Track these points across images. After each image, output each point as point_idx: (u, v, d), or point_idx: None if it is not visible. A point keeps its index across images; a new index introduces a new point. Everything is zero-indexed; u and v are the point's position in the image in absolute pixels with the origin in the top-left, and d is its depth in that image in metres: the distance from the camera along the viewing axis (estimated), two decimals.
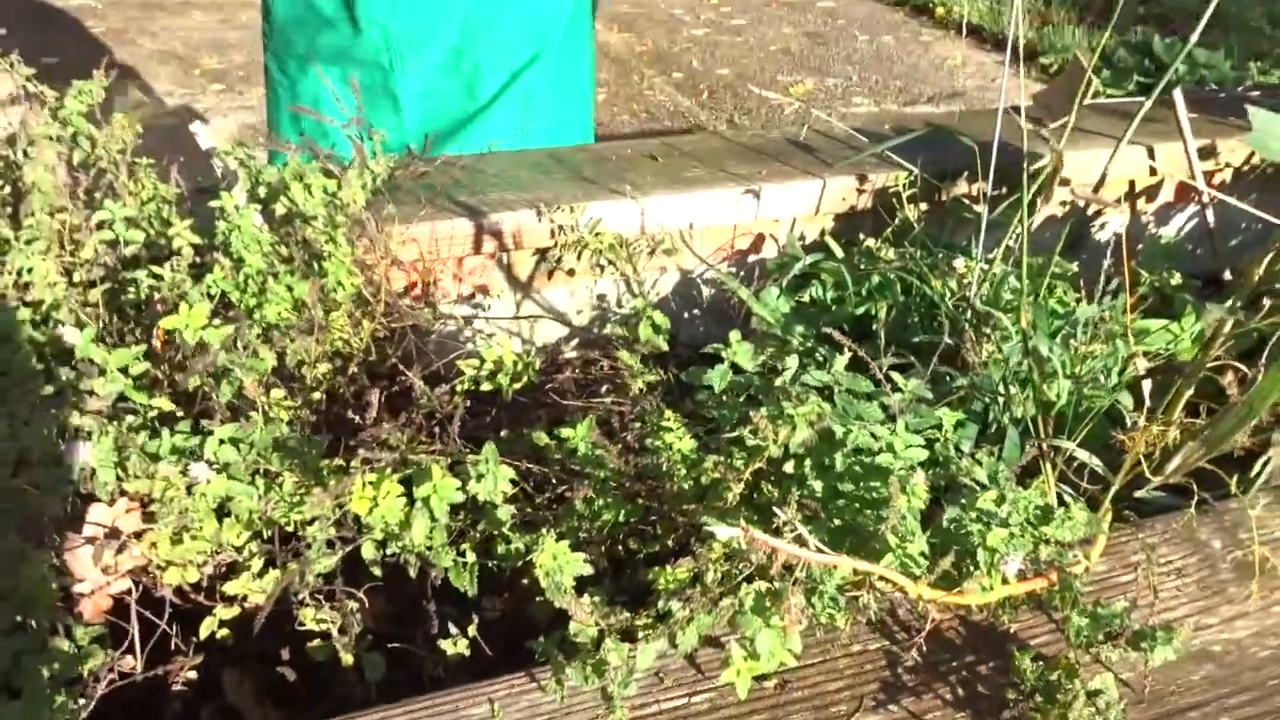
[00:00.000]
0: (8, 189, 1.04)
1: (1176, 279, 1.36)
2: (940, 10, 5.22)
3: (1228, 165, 1.61)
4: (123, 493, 0.69)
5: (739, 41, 4.86)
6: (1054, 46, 4.59)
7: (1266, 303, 0.90)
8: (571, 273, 1.32)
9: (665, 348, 1.06)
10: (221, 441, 0.67)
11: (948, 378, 0.99)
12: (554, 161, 1.36)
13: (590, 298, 1.35)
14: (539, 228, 1.24)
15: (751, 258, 1.41)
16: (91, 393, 0.67)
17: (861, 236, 1.34)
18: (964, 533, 0.63)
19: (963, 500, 0.65)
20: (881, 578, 0.60)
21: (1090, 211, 1.58)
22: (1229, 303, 0.88)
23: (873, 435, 0.66)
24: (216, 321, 0.75)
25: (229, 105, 3.87)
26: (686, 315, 1.40)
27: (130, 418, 0.70)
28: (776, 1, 5.55)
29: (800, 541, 0.55)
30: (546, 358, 1.22)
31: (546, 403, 0.99)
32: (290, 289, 0.85)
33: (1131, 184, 1.59)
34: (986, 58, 4.71)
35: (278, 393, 0.74)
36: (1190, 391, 0.81)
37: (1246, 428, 0.73)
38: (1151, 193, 1.60)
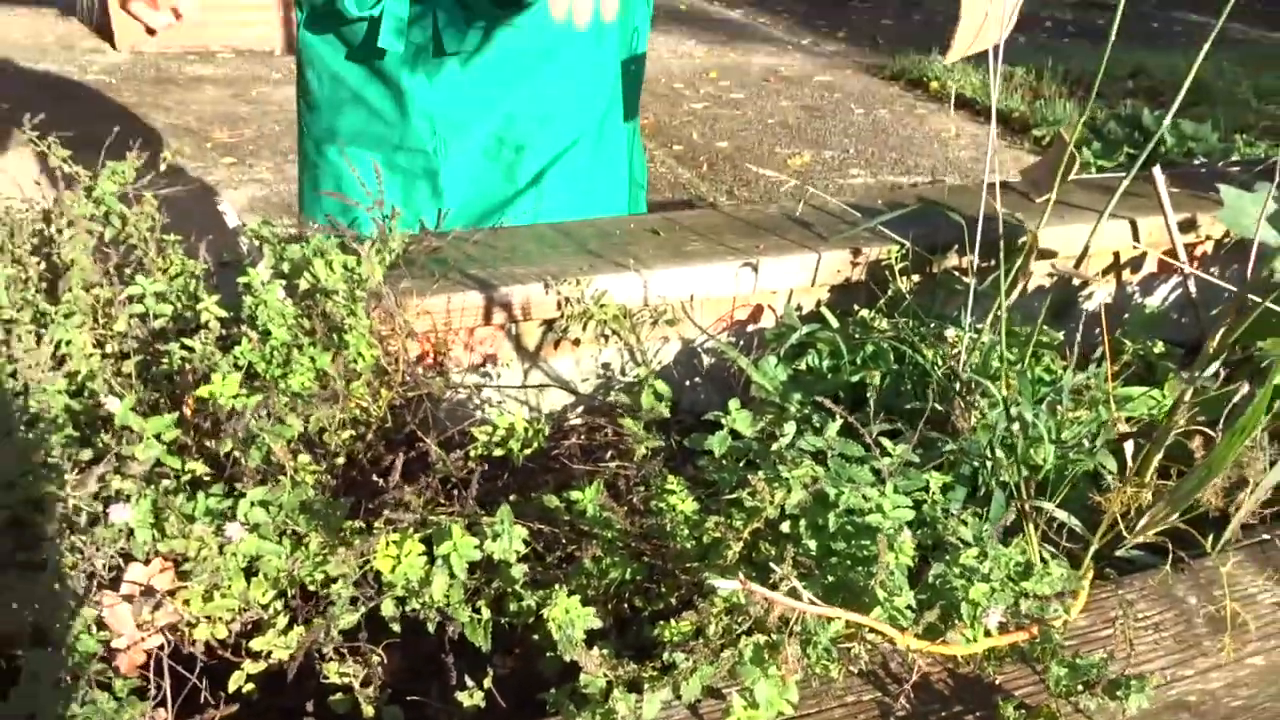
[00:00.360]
0: (42, 265, 1.10)
1: (1160, 347, 1.41)
2: (935, 84, 5.35)
3: (1208, 237, 1.67)
4: (157, 552, 0.73)
5: (738, 115, 4.99)
6: (1046, 119, 4.72)
7: (1223, 371, 0.95)
8: (577, 342, 1.37)
9: (667, 414, 1.11)
10: (253, 504, 0.71)
11: (939, 443, 1.04)
12: (561, 236, 1.43)
13: (595, 366, 1.40)
14: (546, 300, 1.30)
15: (750, 327, 1.46)
16: (132, 458, 0.71)
17: (856, 307, 1.40)
18: (949, 587, 0.67)
19: (947, 557, 0.69)
20: (871, 629, 0.64)
21: (1077, 282, 1.64)
22: (1191, 373, 0.93)
23: (863, 497, 0.71)
24: (244, 390, 0.80)
25: (240, 178, 3.97)
26: (688, 383, 1.45)
27: (166, 481, 0.74)
28: (774, 76, 5.70)
29: (795, 595, 0.59)
30: (553, 424, 1.27)
31: (554, 468, 1.04)
32: (313, 360, 0.90)
33: (1116, 255, 1.65)
34: (980, 130, 4.83)
35: (304, 458, 0.79)
36: (1160, 455, 0.86)
37: (1211, 489, 0.77)
38: (1136, 264, 1.67)
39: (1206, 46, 1.00)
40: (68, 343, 0.90)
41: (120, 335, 0.98)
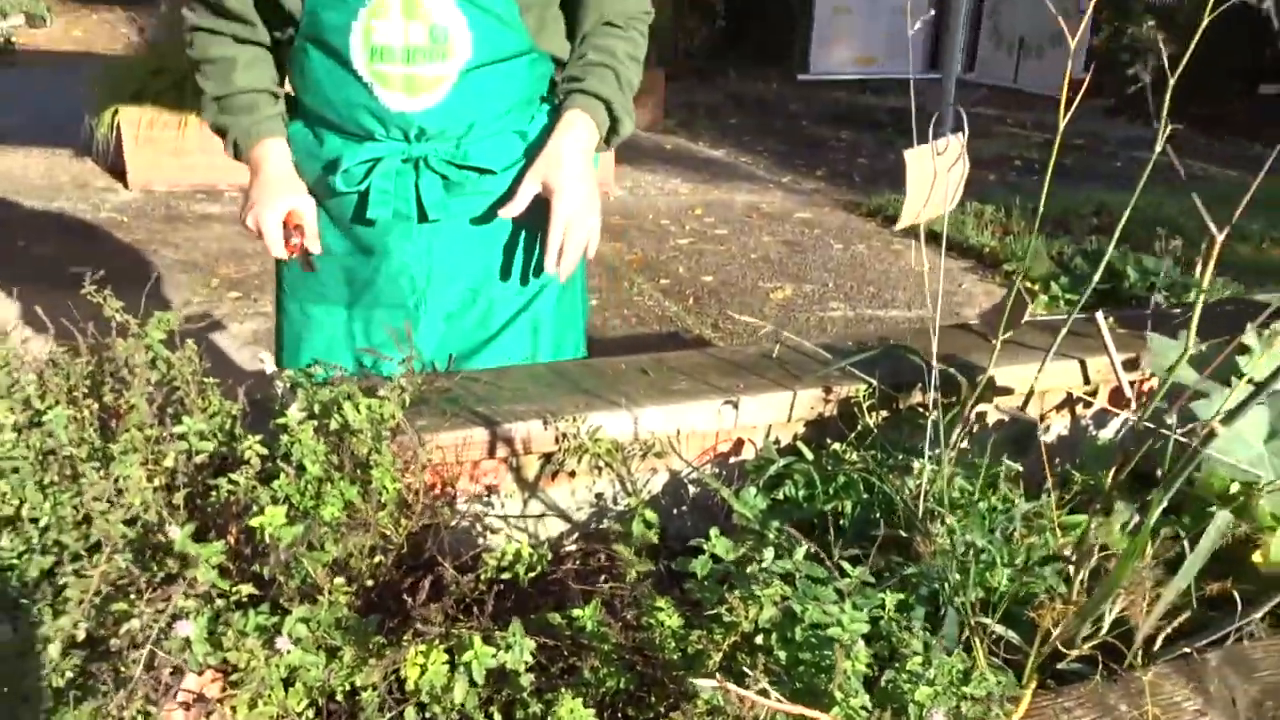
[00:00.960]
0: (95, 405, 1.22)
1: (1108, 477, 1.54)
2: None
3: (1154, 375, 1.81)
4: (209, 664, 0.84)
5: (722, 250, 5.20)
6: (1015, 255, 4.93)
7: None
8: (573, 474, 1.49)
9: (656, 541, 1.23)
10: (297, 621, 0.82)
11: (902, 566, 1.16)
12: (558, 376, 1.56)
13: (590, 496, 1.52)
14: (545, 435, 1.42)
15: (732, 460, 1.59)
16: (193, 580, 0.82)
17: (829, 441, 1.53)
18: (898, 691, 0.77)
19: (897, 664, 0.80)
20: None
21: (1036, 416, 1.78)
22: (1100, 505, 1.05)
23: (825, 613, 0.81)
24: (286, 520, 0.92)
25: (245, 311, 4.13)
26: (675, 511, 1.57)
27: (219, 600, 0.85)
28: (757, 213, 5.96)
29: (765, 695, 0.69)
30: (552, 550, 1.38)
31: (554, 589, 1.14)
32: (342, 493, 1.02)
33: (1069, 393, 1.79)
34: (952, 264, 5.05)
35: (338, 580, 0.90)
36: (1084, 576, 0.97)
37: (1135, 607, 0.88)
38: (1088, 399, 1.80)
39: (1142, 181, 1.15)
40: (126, 477, 1.02)
41: (168, 470, 1.09)
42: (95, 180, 5.99)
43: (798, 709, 0.67)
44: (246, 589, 0.87)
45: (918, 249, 5.24)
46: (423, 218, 1.57)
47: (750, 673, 0.72)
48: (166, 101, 5.72)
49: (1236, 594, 0.99)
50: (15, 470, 1.01)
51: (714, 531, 1.01)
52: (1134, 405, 1.71)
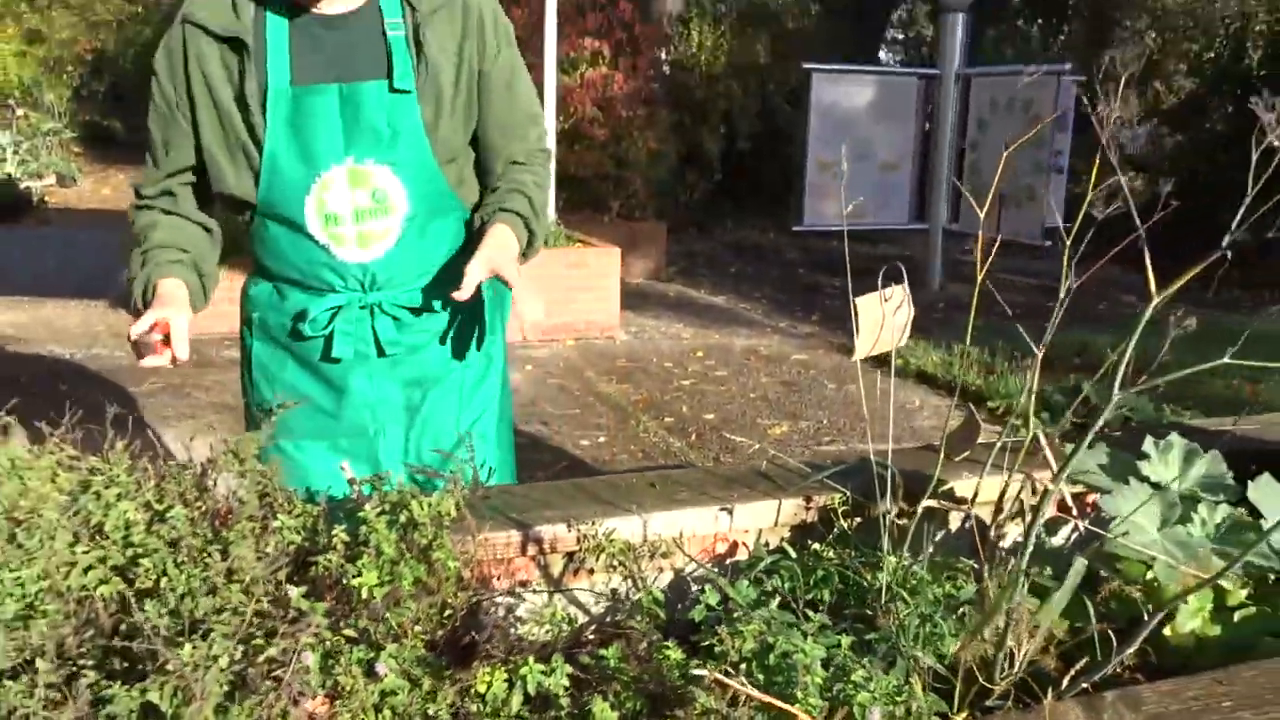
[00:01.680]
0: (204, 505, 1.49)
1: (1049, 573, 1.79)
2: (899, 361, 5.92)
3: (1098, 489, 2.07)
4: (320, 689, 1.08)
5: (723, 390, 5.51)
6: (999, 392, 5.23)
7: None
8: (591, 571, 1.74)
9: (664, 616, 1.47)
10: (389, 656, 1.07)
11: (866, 632, 1.40)
12: (578, 490, 1.83)
13: (605, 591, 1.77)
14: (568, 536, 1.68)
15: (727, 560, 1.84)
16: (315, 627, 1.08)
17: (810, 542, 1.78)
18: (845, 697, 1.01)
19: (846, 678, 1.04)
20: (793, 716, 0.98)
21: (991, 524, 2.03)
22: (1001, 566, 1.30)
23: (792, 643, 1.06)
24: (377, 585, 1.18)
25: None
26: (679, 605, 1.81)
27: (327, 642, 1.11)
28: (755, 356, 6.29)
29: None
30: (571, 637, 1.62)
31: (577, 654, 1.39)
32: (412, 570, 1.28)
33: (1022, 502, 2.05)
34: (941, 402, 5.35)
35: (417, 629, 1.15)
36: (989, 623, 1.22)
37: (1046, 651, 1.11)
38: (1038, 509, 2.06)
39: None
40: (241, 557, 1.28)
41: (270, 555, 1.36)
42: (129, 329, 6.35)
43: (768, 697, 0.91)
44: (349, 632, 1.12)
45: (908, 388, 5.55)
46: (380, 353, 1.83)
47: (732, 682, 0.96)
48: None
49: (1111, 634, 1.24)
50: (155, 551, 1.28)
51: (708, 588, 1.26)
52: (1075, 512, 1.96)
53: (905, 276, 1.67)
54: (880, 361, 5.83)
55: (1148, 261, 1.29)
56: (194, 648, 1.04)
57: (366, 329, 1.82)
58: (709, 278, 8.88)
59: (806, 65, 8.60)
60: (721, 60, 11.09)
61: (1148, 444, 1.54)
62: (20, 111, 15.04)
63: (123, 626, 1.23)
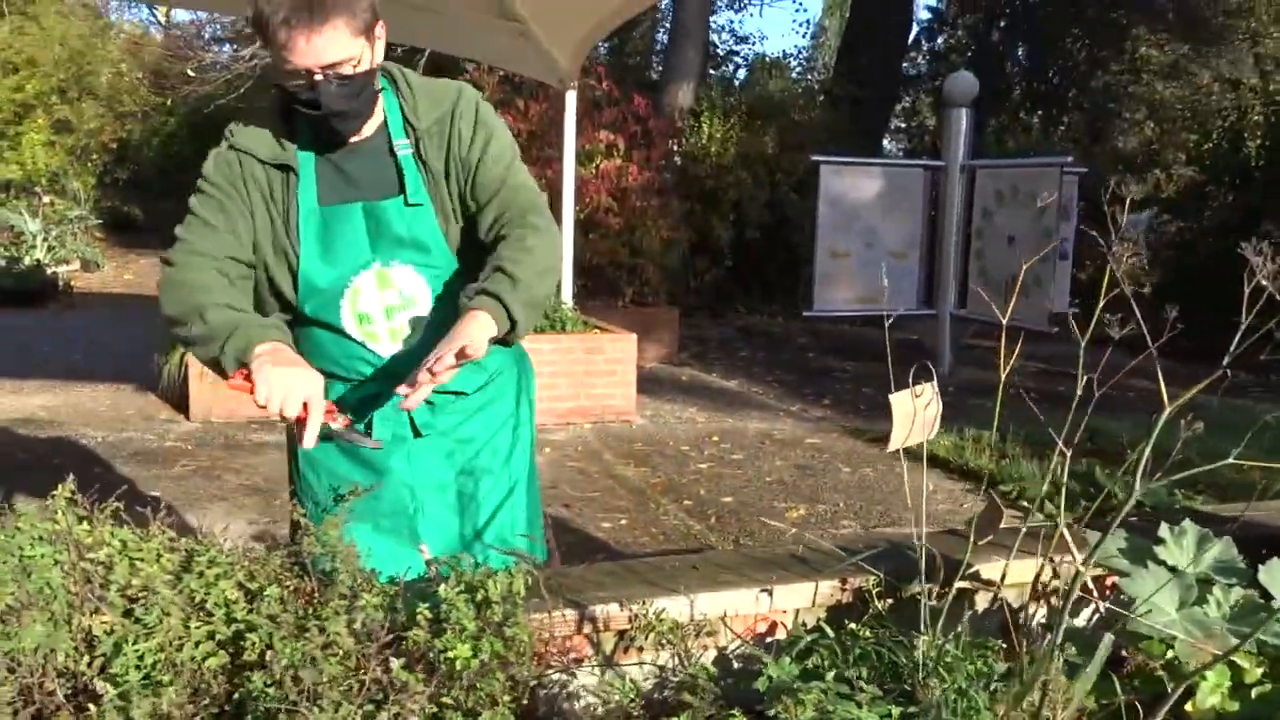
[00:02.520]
0: (292, 584, 1.61)
1: (1074, 651, 1.89)
2: (913, 447, 6.02)
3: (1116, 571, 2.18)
4: None
5: (739, 473, 5.62)
6: (1011, 476, 5.34)
7: None
8: (641, 649, 1.85)
9: (718, 690, 1.58)
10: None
11: (911, 710, 1.51)
12: (628, 572, 1.95)
13: (653, 668, 1.87)
14: (620, 615, 1.80)
15: (768, 639, 1.95)
16: (420, 696, 1.20)
17: (846, 621, 1.89)
18: None
19: None
20: None
21: (1017, 606, 2.14)
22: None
23: (848, 711, 1.17)
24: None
25: None
26: (723, 683, 1.91)
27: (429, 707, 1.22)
28: (769, 440, 6.40)
29: None
30: (621, 713, 1.72)
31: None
32: (490, 644, 1.40)
33: (1044, 585, 2.15)
34: (955, 486, 5.45)
35: (506, 698, 1.27)
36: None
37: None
38: (1070, 592, 2.17)
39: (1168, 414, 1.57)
40: (337, 633, 1.40)
41: (357, 631, 1.48)
42: (159, 412, 6.50)
43: None
44: (448, 700, 1.23)
45: (914, 469, 5.66)
46: (416, 434, 1.98)
47: None
48: None
49: (1139, 705, 1.35)
50: (259, 626, 1.40)
51: (770, 660, 1.37)
52: (1095, 594, 2.07)
53: (933, 373, 1.81)
54: (879, 441, 5.94)
55: (1158, 370, 1.42)
56: (320, 711, 1.16)
57: (402, 414, 1.96)
58: (721, 362, 9.04)
59: (814, 158, 8.87)
60: (731, 151, 11.42)
61: (1163, 530, 1.66)
62: (47, 199, 15.42)
63: (235, 695, 1.34)
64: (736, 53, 16.55)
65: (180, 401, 6.47)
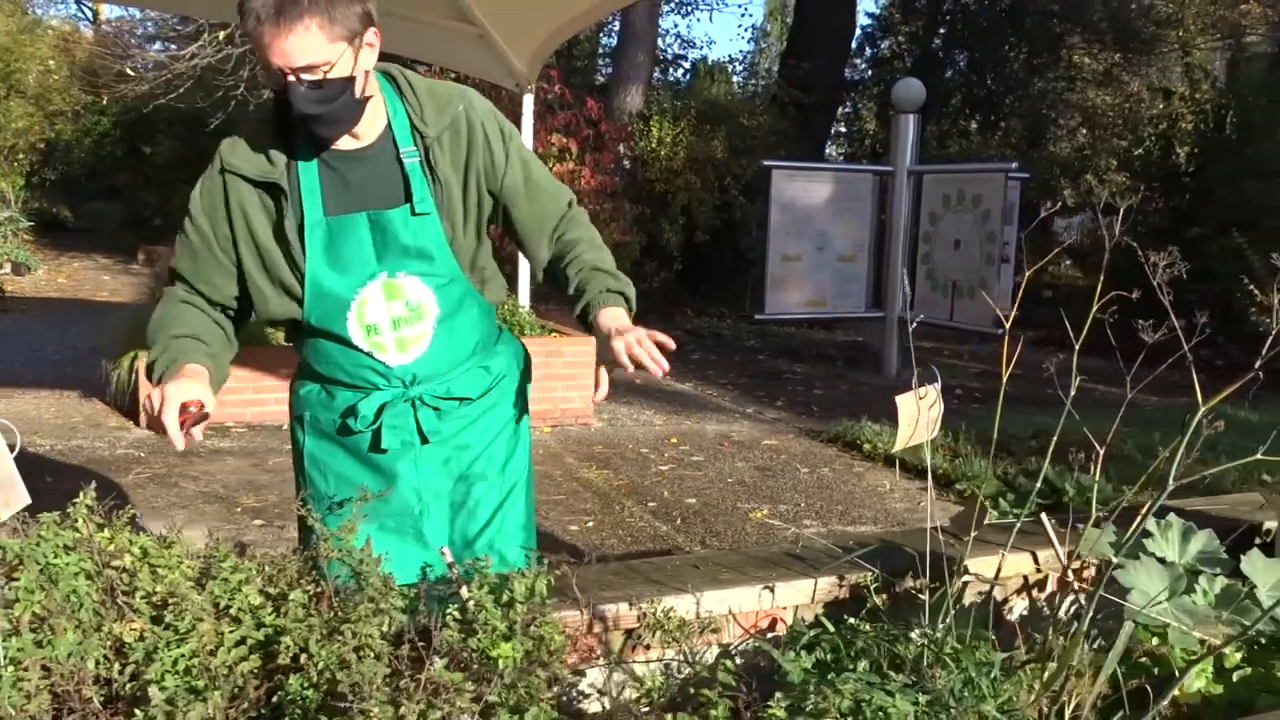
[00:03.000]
0: (309, 590, 1.61)
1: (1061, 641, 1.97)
2: (868, 446, 6.15)
3: (1089, 563, 2.27)
4: None
5: (700, 475, 5.68)
6: (965, 475, 5.46)
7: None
8: (648, 646, 1.89)
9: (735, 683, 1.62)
10: (526, 714, 1.21)
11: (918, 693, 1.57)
12: (632, 571, 1.99)
13: (660, 665, 1.91)
14: (629, 614, 1.83)
15: (769, 634, 1.99)
16: (469, 695, 1.22)
17: (845, 617, 1.95)
18: None
19: None
20: None
21: (1001, 599, 2.22)
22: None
23: (883, 700, 1.22)
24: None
25: (271, 538, 4.47)
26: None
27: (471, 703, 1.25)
28: (727, 441, 6.47)
29: None
30: (625, 710, 1.76)
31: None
32: (521, 645, 1.43)
33: (1025, 578, 2.24)
34: (910, 484, 5.56)
35: (548, 694, 1.30)
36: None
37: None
38: (1041, 584, 2.25)
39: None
40: (369, 635, 1.42)
41: (388, 632, 1.50)
42: (107, 420, 6.38)
43: None
44: (493, 698, 1.26)
45: (877, 471, 5.77)
46: (424, 440, 2.00)
47: None
48: None
49: (1149, 688, 1.42)
50: (292, 630, 1.42)
51: (803, 653, 1.42)
52: (1075, 586, 2.16)
53: (936, 375, 1.87)
54: (849, 446, 6.05)
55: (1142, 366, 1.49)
56: (368, 714, 1.18)
57: (410, 421, 1.99)
58: (674, 365, 9.06)
59: (766, 162, 8.97)
60: (681, 155, 11.49)
61: (1150, 524, 1.74)
62: None
63: (273, 699, 1.35)
64: (684, 57, 16.64)
65: (130, 408, 6.36)
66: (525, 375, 2.17)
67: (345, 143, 1.86)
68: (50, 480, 5.09)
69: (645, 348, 1.78)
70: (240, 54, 12.03)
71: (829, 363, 9.61)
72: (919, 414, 1.80)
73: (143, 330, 6.36)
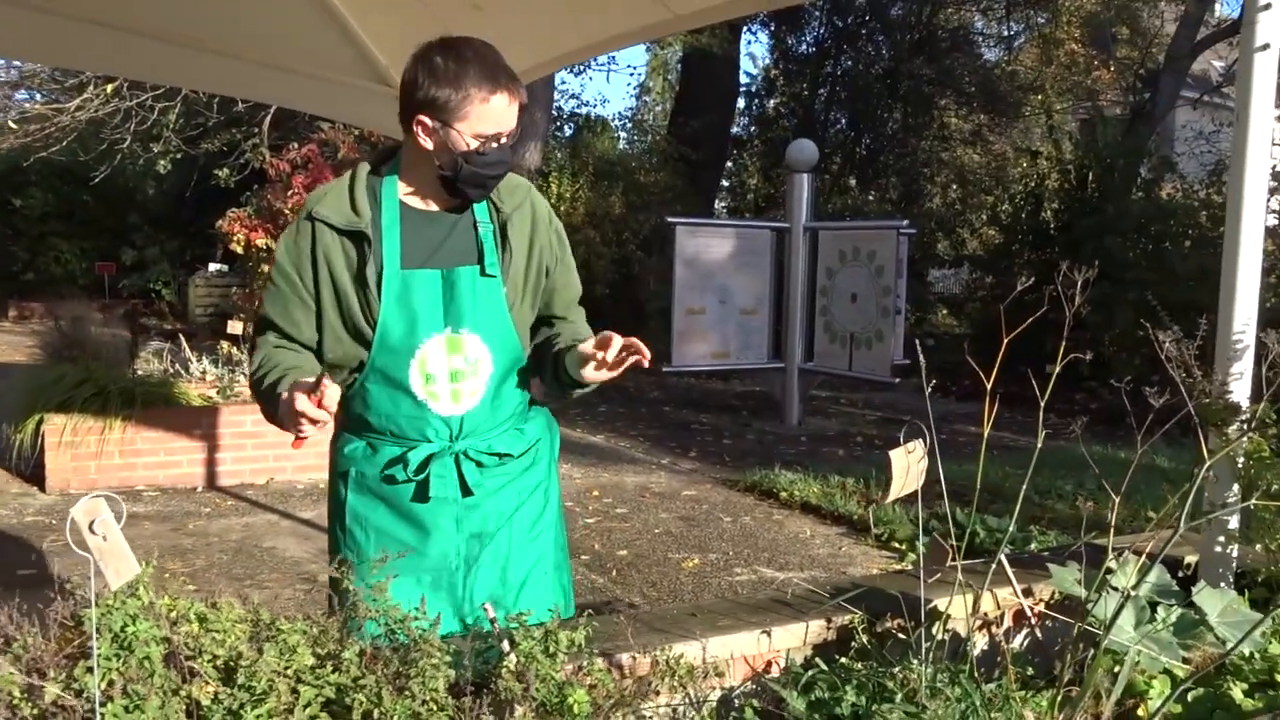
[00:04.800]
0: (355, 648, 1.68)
1: (1029, 672, 2.16)
2: (784, 494, 6.37)
3: (1041, 600, 2.48)
4: None
5: (627, 527, 5.79)
6: (880, 520, 5.70)
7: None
8: (658, 692, 2.00)
9: None
10: None
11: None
12: (636, 621, 2.10)
13: (670, 710, 2.02)
14: (643, 661, 1.95)
15: (766, 676, 2.13)
16: None
17: (836, 656, 2.10)
18: None
19: None
20: None
21: (964, 633, 2.40)
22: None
23: None
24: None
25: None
26: (730, 715, 2.08)
27: None
28: (648, 493, 6.60)
29: None
30: None
31: None
32: (583, 695, 1.53)
33: (985, 614, 2.43)
34: (830, 530, 5.78)
35: None
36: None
37: None
38: (999, 620, 2.45)
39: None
40: (435, 690, 1.51)
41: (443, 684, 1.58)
42: (9, 486, 6.15)
43: None
44: None
45: (796, 518, 5.97)
46: (466, 493, 2.09)
47: None
48: (92, 409, 6.05)
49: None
50: (364, 687, 1.49)
51: (849, 689, 1.56)
52: (1033, 620, 2.36)
53: (925, 437, 2.04)
54: (766, 494, 6.26)
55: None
56: None
57: (453, 473, 2.07)
58: (582, 418, 9.21)
59: (670, 219, 9.24)
60: (580, 210, 11.71)
61: (1111, 560, 1.94)
62: None
63: None
64: (579, 114, 16.94)
65: (34, 473, 6.15)
66: (554, 438, 2.29)
67: (425, 205, 2.03)
68: None
69: (629, 342, 2.02)
70: (128, 108, 11.79)
71: (733, 413, 9.87)
72: (909, 467, 1.97)
73: (40, 393, 6.14)
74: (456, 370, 2.03)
